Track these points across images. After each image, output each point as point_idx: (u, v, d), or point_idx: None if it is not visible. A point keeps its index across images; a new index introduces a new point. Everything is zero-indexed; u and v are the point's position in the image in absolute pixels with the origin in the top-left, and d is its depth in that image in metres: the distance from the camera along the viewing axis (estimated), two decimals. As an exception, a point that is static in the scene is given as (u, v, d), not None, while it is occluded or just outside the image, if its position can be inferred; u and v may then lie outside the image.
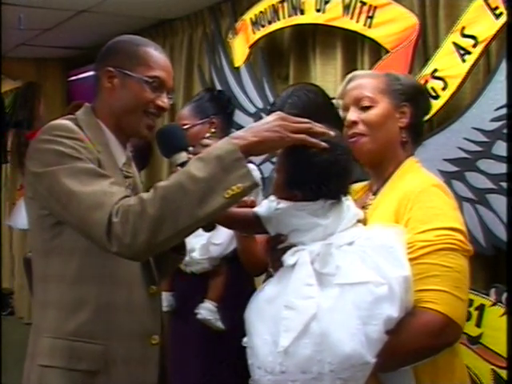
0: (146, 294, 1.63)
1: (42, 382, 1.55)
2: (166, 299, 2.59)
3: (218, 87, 3.44)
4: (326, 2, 2.87)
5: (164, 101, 1.63)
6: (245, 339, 1.44)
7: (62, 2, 3.84)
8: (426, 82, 2.37)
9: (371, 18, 2.67)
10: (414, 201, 1.49)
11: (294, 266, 1.39)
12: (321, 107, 1.98)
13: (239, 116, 3.25)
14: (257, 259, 1.88)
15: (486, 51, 2.29)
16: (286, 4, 3.10)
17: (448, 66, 2.35)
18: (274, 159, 1.71)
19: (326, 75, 3.03)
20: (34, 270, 1.63)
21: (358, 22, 2.73)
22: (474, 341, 2.19)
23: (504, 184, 2.16)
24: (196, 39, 3.97)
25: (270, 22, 3.20)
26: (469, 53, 2.29)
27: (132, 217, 1.37)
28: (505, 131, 2.15)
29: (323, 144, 1.41)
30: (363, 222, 1.52)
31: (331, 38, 2.99)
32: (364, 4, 2.70)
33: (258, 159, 2.73)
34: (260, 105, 3.26)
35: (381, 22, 2.64)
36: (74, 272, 1.55)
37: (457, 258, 1.44)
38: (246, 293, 1.56)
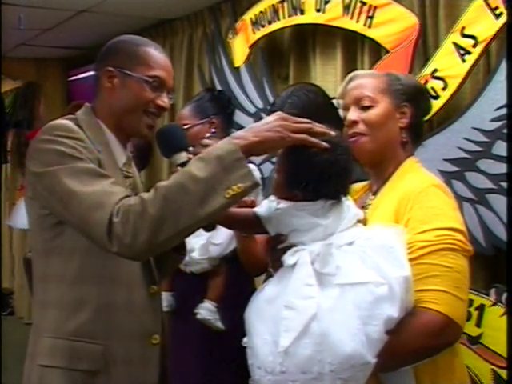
0: (146, 294, 1.63)
1: (43, 381, 1.54)
2: (166, 299, 2.59)
3: (218, 87, 3.44)
4: (326, 2, 2.88)
5: (164, 100, 1.63)
6: (245, 339, 1.44)
7: (61, 2, 3.84)
8: (426, 82, 2.37)
9: (371, 17, 2.67)
10: (414, 201, 1.49)
11: (294, 266, 1.39)
12: (321, 107, 1.99)
13: (239, 116, 3.25)
14: (257, 259, 1.88)
15: (485, 51, 2.29)
16: (285, 4, 3.10)
17: (448, 66, 2.35)
18: (274, 159, 1.71)
19: (326, 75, 3.03)
20: (34, 269, 1.63)
21: (358, 22, 2.73)
22: (474, 341, 2.19)
23: (504, 184, 2.16)
24: (196, 39, 3.97)
25: (270, 22, 3.20)
26: (469, 53, 2.29)
27: (133, 217, 1.37)
28: (505, 131, 2.15)
29: (324, 144, 1.41)
30: (363, 222, 1.52)
31: (331, 38, 2.99)
32: (364, 4, 2.70)
33: (257, 159, 2.73)
34: (260, 105, 3.26)
35: (381, 22, 2.64)
36: (75, 272, 1.55)
37: (457, 258, 1.44)
38: (246, 293, 1.56)
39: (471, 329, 2.17)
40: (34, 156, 1.55)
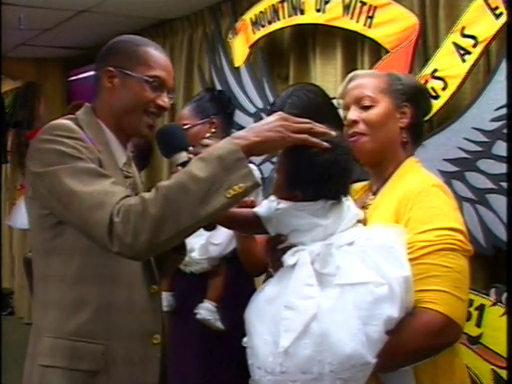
0: (147, 294, 1.63)
1: (43, 381, 1.54)
2: (166, 299, 2.59)
3: (218, 87, 3.44)
4: (326, 2, 2.88)
5: (164, 100, 1.63)
6: (245, 339, 1.44)
7: (61, 2, 3.84)
8: (426, 82, 2.37)
9: (371, 18, 2.67)
10: (414, 201, 1.49)
11: (294, 266, 1.39)
12: (321, 107, 1.98)
13: (239, 116, 3.25)
14: (256, 259, 1.88)
15: (485, 51, 2.29)
16: (285, 4, 3.10)
17: (448, 66, 2.35)
18: (274, 159, 1.71)
19: (326, 75, 3.03)
20: (35, 269, 1.63)
21: (358, 22, 2.73)
22: (474, 341, 2.19)
23: (504, 184, 2.16)
24: (196, 39, 3.97)
25: (270, 22, 3.20)
26: (469, 53, 2.29)
27: (133, 216, 1.37)
28: (505, 131, 2.15)
29: (325, 144, 1.41)
30: (363, 222, 1.52)
31: (331, 38, 2.99)
32: (364, 4, 2.70)
33: (258, 159, 2.73)
34: (260, 105, 3.26)
35: (381, 22, 2.64)
36: (75, 272, 1.55)
37: (457, 258, 1.44)
38: (246, 293, 1.56)
39: (471, 329, 2.17)
40: (35, 156, 1.55)
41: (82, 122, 1.60)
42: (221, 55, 3.54)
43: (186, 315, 2.60)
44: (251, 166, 1.42)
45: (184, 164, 1.56)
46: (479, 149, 2.25)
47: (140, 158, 2.82)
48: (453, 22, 2.37)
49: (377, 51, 2.74)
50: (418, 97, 1.68)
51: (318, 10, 2.93)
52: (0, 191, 6.32)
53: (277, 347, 1.32)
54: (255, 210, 1.58)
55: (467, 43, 2.29)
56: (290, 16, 3.09)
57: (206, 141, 2.29)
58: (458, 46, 2.32)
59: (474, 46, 2.28)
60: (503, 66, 2.16)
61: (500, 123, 2.18)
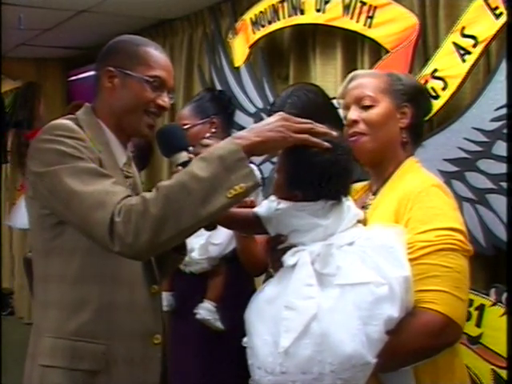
0: (147, 294, 1.63)
1: (44, 381, 1.55)
2: (166, 299, 2.59)
3: (218, 87, 3.44)
4: (326, 2, 2.87)
5: (165, 100, 1.63)
6: (245, 339, 1.44)
7: (61, 2, 3.84)
8: (426, 82, 2.37)
9: (371, 18, 2.67)
10: (414, 201, 1.49)
11: (294, 266, 1.39)
12: (320, 107, 1.99)
13: (239, 116, 3.25)
14: (256, 259, 1.88)
15: (485, 51, 2.29)
16: (285, 4, 3.10)
17: (448, 66, 2.35)
18: (275, 159, 1.71)
19: (326, 75, 3.02)
20: (35, 269, 1.63)
21: (358, 21, 2.73)
22: (474, 341, 2.19)
23: (504, 184, 2.16)
24: (196, 39, 3.97)
25: (270, 22, 3.20)
26: (469, 53, 2.29)
27: (134, 216, 1.37)
28: (505, 131, 2.15)
29: (326, 144, 1.41)
30: (363, 222, 1.52)
31: (331, 38, 2.99)
32: (364, 4, 2.70)
33: (258, 159, 2.73)
34: (260, 105, 3.26)
35: (381, 22, 2.64)
36: (75, 272, 1.55)
37: (457, 258, 1.44)
38: (246, 293, 1.56)
39: (471, 329, 2.17)
40: (35, 156, 1.55)
41: (82, 122, 1.60)
42: (221, 55, 3.54)
43: (185, 315, 2.60)
44: (252, 166, 1.42)
45: (184, 164, 1.56)
46: (479, 149, 2.25)
47: (140, 158, 2.82)
48: (453, 22, 2.37)
49: (377, 51, 2.74)
50: (418, 97, 1.68)
51: (318, 10, 2.93)
52: (0, 191, 6.32)
53: (277, 347, 1.32)
54: (255, 210, 1.58)
55: (467, 43, 2.29)
56: (290, 16, 3.09)
57: (206, 141, 2.29)
58: (457, 46, 2.32)
59: (474, 46, 2.28)
60: (503, 66, 2.16)
61: (500, 123, 2.18)
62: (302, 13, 3.02)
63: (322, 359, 1.29)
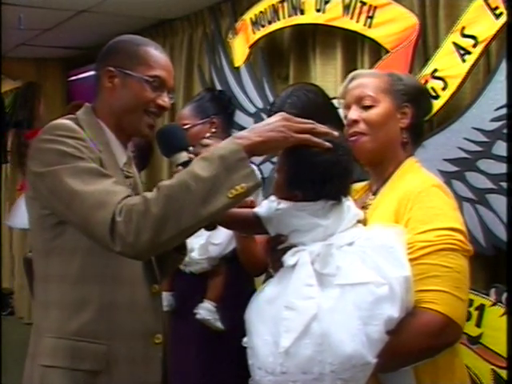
0: (148, 294, 1.64)
1: (44, 381, 1.54)
2: (166, 299, 2.59)
3: (218, 87, 3.44)
4: (326, 2, 2.87)
5: (165, 100, 1.63)
6: (245, 339, 1.44)
7: (61, 2, 3.84)
8: (426, 82, 2.37)
9: (371, 18, 2.67)
10: (414, 201, 1.49)
11: (294, 266, 1.39)
12: (320, 107, 1.99)
13: (239, 116, 3.25)
14: (256, 259, 1.88)
15: (485, 51, 2.29)
16: (285, 4, 3.10)
17: (448, 66, 2.35)
18: (275, 159, 1.71)
19: (326, 75, 3.02)
20: (35, 269, 1.63)
21: (358, 21, 2.73)
22: (474, 341, 2.19)
23: (504, 184, 2.16)
24: (196, 39, 3.96)
25: (270, 22, 3.20)
26: (469, 53, 2.29)
27: (135, 216, 1.37)
28: (505, 131, 2.15)
29: (327, 144, 1.41)
30: (363, 222, 1.52)
31: (331, 38, 2.99)
32: (364, 4, 2.70)
33: (258, 159, 2.73)
34: (260, 105, 3.26)
35: (381, 22, 2.64)
36: (76, 272, 1.55)
37: (457, 258, 1.44)
38: (246, 293, 1.56)
39: (471, 329, 2.17)
40: (36, 156, 1.55)
41: (82, 122, 1.60)
42: (221, 55, 3.54)
43: (185, 315, 2.60)
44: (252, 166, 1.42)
45: (184, 164, 1.56)
46: (479, 149, 2.25)
47: (140, 158, 2.83)
48: (453, 22, 2.37)
49: (377, 51, 2.73)
50: (419, 97, 1.68)
51: (318, 10, 2.93)
52: (0, 191, 6.31)
53: (277, 347, 1.32)
54: (255, 210, 1.58)
55: (467, 43, 2.29)
56: (290, 16, 3.09)
57: (206, 141, 2.29)
58: (457, 46, 2.32)
59: (474, 46, 2.28)
60: (503, 66, 2.15)
61: (500, 123, 2.18)
62: (302, 13, 3.02)
63: (322, 359, 1.29)
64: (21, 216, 4.33)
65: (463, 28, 2.30)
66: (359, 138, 1.61)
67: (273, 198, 1.53)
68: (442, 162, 2.32)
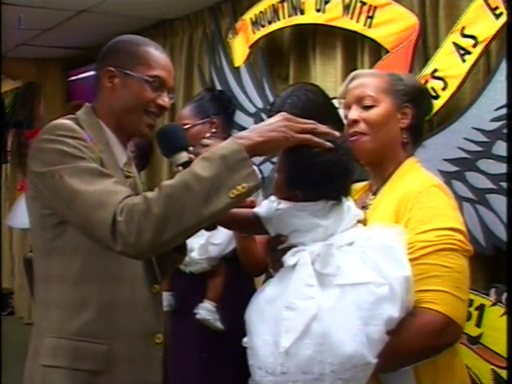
0: (148, 293, 1.64)
1: (46, 381, 1.54)
2: (166, 299, 2.59)
3: (218, 87, 3.44)
4: (326, 2, 2.87)
5: (165, 100, 1.63)
6: (245, 339, 1.44)
7: (61, 2, 3.84)
8: (426, 81, 2.37)
9: (371, 18, 2.67)
10: (414, 201, 1.49)
11: (294, 266, 1.39)
12: (320, 107, 1.98)
13: (239, 116, 3.25)
14: (256, 259, 1.88)
15: (485, 51, 2.29)
16: (285, 4, 3.10)
17: (448, 66, 2.35)
18: (275, 159, 1.71)
19: (326, 75, 3.02)
20: (36, 269, 1.63)
21: (358, 21, 2.73)
22: (474, 341, 2.19)
23: (504, 184, 2.16)
24: (196, 39, 3.96)
25: (270, 22, 3.20)
26: (469, 53, 2.29)
27: (137, 215, 1.36)
28: (505, 131, 2.15)
29: (328, 144, 1.41)
30: (363, 222, 1.52)
31: (331, 38, 2.99)
32: (364, 4, 2.70)
33: (258, 159, 2.73)
34: (260, 105, 3.26)
35: (381, 22, 2.64)
36: (76, 272, 1.55)
37: (457, 258, 1.44)
38: (246, 293, 1.56)
39: (471, 329, 2.17)
40: (36, 156, 1.55)
41: (82, 122, 1.60)
42: (221, 55, 3.54)
43: (185, 315, 2.60)
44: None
45: (184, 164, 1.56)
46: (479, 149, 2.25)
47: (140, 158, 2.83)
48: (453, 22, 2.37)
49: (377, 51, 2.73)
50: (419, 98, 1.68)
51: (318, 10, 2.93)
52: (0, 191, 6.31)
53: (277, 347, 1.32)
54: (255, 210, 1.58)
55: (467, 43, 2.29)
56: (290, 16, 3.09)
57: (206, 141, 2.29)
58: (458, 46, 2.32)
59: (474, 45, 2.28)
60: (503, 66, 2.15)
61: (500, 123, 2.18)
62: (302, 13, 3.02)
63: (322, 359, 1.29)
64: (20, 216, 4.33)
65: (463, 28, 2.30)
66: (359, 138, 1.61)
67: (273, 198, 1.53)
68: (442, 162, 2.32)
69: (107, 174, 1.50)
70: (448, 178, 2.26)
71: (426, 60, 2.48)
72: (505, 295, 2.13)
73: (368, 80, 1.66)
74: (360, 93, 1.64)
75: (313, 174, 1.41)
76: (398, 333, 1.33)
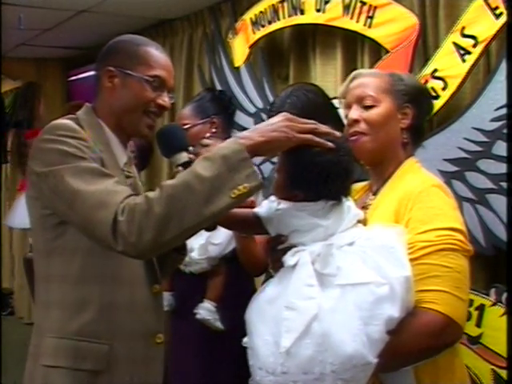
0: (149, 293, 1.64)
1: (47, 382, 1.54)
2: (166, 299, 2.58)
3: (218, 87, 3.44)
4: (326, 2, 2.87)
5: (165, 100, 1.63)
6: (245, 339, 1.44)
7: (61, 2, 3.84)
8: (426, 81, 2.37)
9: (371, 18, 2.67)
10: (415, 201, 1.49)
11: (294, 266, 1.39)
12: (320, 107, 1.98)
13: (239, 116, 3.25)
14: (256, 259, 1.88)
15: (485, 51, 2.29)
16: (285, 4, 3.10)
17: (448, 66, 2.35)
18: (275, 159, 1.71)
19: (326, 75, 3.02)
20: (36, 269, 1.63)
21: (358, 21, 2.73)
22: (474, 341, 2.19)
23: (504, 184, 2.16)
24: (196, 39, 3.96)
25: (270, 22, 3.20)
26: (469, 53, 2.29)
27: (138, 215, 1.36)
28: (505, 131, 2.15)
29: (329, 144, 1.41)
30: (363, 222, 1.52)
31: (331, 38, 2.99)
32: (364, 4, 2.70)
33: (257, 159, 2.73)
34: (260, 105, 3.26)
35: (381, 22, 2.64)
36: (77, 272, 1.55)
37: (457, 258, 1.44)
38: (246, 293, 1.56)
39: (471, 329, 2.17)
40: (37, 156, 1.55)
41: (82, 122, 1.60)
42: (221, 55, 3.54)
43: (185, 315, 2.60)
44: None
45: (184, 164, 1.56)
46: (479, 149, 2.25)
47: (140, 158, 2.83)
48: (453, 22, 2.37)
49: (377, 51, 2.73)
50: (419, 98, 1.68)
51: (318, 10, 2.93)
52: (0, 191, 6.31)
53: (278, 348, 1.32)
54: (255, 210, 1.58)
55: (467, 43, 2.29)
56: (290, 16, 3.09)
57: (206, 141, 2.29)
58: (458, 46, 2.32)
59: (474, 46, 2.28)
60: (503, 66, 2.15)
61: (500, 123, 2.18)
62: (302, 13, 3.02)
63: (323, 359, 1.29)
64: (19, 216, 4.34)
65: (463, 28, 2.30)
66: (360, 138, 1.61)
67: (273, 198, 1.53)
68: (442, 162, 2.32)
69: (108, 173, 1.50)
70: (448, 178, 2.26)
71: (426, 60, 2.48)
72: (505, 295, 2.13)
73: (369, 80, 1.66)
74: (360, 93, 1.64)
75: (313, 174, 1.41)
76: (398, 333, 1.33)
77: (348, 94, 1.68)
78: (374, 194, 1.66)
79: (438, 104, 2.33)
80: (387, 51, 2.61)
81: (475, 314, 2.19)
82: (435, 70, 2.39)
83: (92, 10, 4.00)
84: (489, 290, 2.19)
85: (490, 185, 2.22)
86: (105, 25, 4.17)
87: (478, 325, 2.19)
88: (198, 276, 2.59)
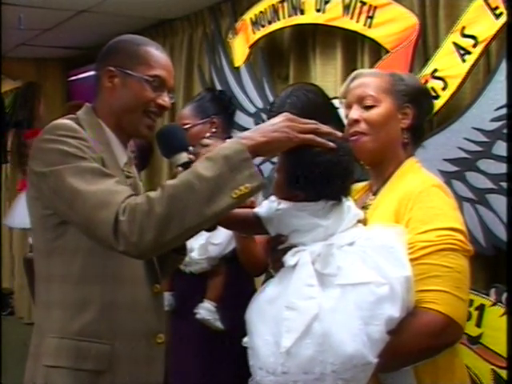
0: (150, 293, 1.64)
1: (48, 382, 1.54)
2: (166, 299, 2.58)
3: (218, 87, 3.44)
4: (326, 2, 2.87)
5: (165, 99, 1.63)
6: (245, 339, 1.44)
7: (61, 2, 3.84)
8: (426, 81, 2.37)
9: (371, 18, 2.67)
10: (415, 201, 1.49)
11: (294, 266, 1.39)
12: (320, 107, 1.98)
13: (239, 116, 3.26)
14: (256, 259, 1.88)
15: (485, 51, 2.29)
16: (285, 4, 3.10)
17: (448, 66, 2.35)
18: (275, 159, 1.71)
19: (326, 75, 3.02)
20: (37, 269, 1.63)
21: (358, 21, 2.73)
22: (474, 341, 2.19)
23: (504, 184, 2.16)
24: (196, 39, 3.96)
25: (270, 22, 3.20)
26: (469, 53, 2.29)
27: (139, 215, 1.36)
28: (505, 131, 2.15)
29: (331, 144, 1.41)
30: (363, 222, 1.52)
31: (331, 38, 2.99)
32: (364, 4, 2.70)
33: (258, 159, 2.73)
34: (260, 105, 3.26)
35: (381, 22, 2.64)
36: (78, 272, 1.55)
37: (457, 258, 1.44)
38: (246, 293, 1.56)
39: (471, 329, 2.17)
40: (37, 156, 1.55)
41: (83, 122, 1.60)
42: (221, 55, 3.54)
43: (185, 315, 2.60)
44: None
45: (184, 164, 1.56)
46: (479, 149, 2.25)
47: (140, 158, 2.83)
48: (453, 22, 2.37)
49: (377, 51, 2.73)
50: (420, 98, 1.68)
51: (318, 10, 2.93)
52: (0, 191, 6.31)
53: (278, 348, 1.32)
54: (255, 210, 1.58)
55: (467, 43, 2.29)
56: (290, 16, 3.09)
57: (206, 141, 2.29)
58: (458, 46, 2.32)
59: (474, 46, 2.28)
60: (503, 66, 2.16)
61: (500, 123, 2.18)
62: (302, 13, 3.02)
63: (323, 359, 1.29)
64: (19, 216, 4.33)
65: (463, 28, 2.30)
66: (360, 138, 1.61)
67: (273, 198, 1.53)
68: (442, 162, 2.32)
69: (109, 173, 1.50)
70: (448, 177, 2.26)
71: (426, 60, 2.48)
72: (505, 295, 2.13)
73: (369, 80, 1.66)
74: (361, 92, 1.64)
75: (313, 174, 1.41)
76: (398, 333, 1.33)
77: (348, 94, 1.68)
78: (374, 194, 1.66)
79: (438, 104, 2.33)
80: (387, 51, 2.61)
81: (475, 314, 2.19)
82: (435, 70, 2.39)
83: (92, 10, 4.00)
84: (489, 290, 2.19)
85: (489, 185, 2.22)
86: (105, 25, 4.17)
87: (478, 325, 2.19)
88: (198, 276, 2.59)
